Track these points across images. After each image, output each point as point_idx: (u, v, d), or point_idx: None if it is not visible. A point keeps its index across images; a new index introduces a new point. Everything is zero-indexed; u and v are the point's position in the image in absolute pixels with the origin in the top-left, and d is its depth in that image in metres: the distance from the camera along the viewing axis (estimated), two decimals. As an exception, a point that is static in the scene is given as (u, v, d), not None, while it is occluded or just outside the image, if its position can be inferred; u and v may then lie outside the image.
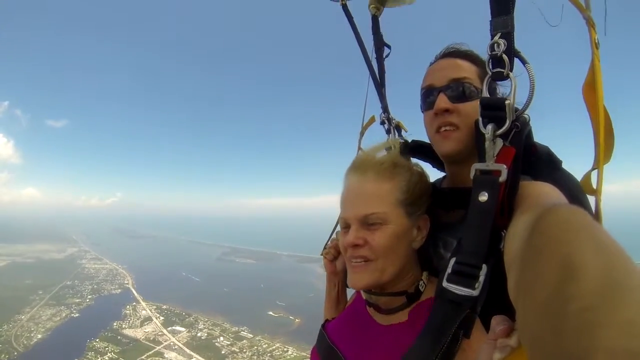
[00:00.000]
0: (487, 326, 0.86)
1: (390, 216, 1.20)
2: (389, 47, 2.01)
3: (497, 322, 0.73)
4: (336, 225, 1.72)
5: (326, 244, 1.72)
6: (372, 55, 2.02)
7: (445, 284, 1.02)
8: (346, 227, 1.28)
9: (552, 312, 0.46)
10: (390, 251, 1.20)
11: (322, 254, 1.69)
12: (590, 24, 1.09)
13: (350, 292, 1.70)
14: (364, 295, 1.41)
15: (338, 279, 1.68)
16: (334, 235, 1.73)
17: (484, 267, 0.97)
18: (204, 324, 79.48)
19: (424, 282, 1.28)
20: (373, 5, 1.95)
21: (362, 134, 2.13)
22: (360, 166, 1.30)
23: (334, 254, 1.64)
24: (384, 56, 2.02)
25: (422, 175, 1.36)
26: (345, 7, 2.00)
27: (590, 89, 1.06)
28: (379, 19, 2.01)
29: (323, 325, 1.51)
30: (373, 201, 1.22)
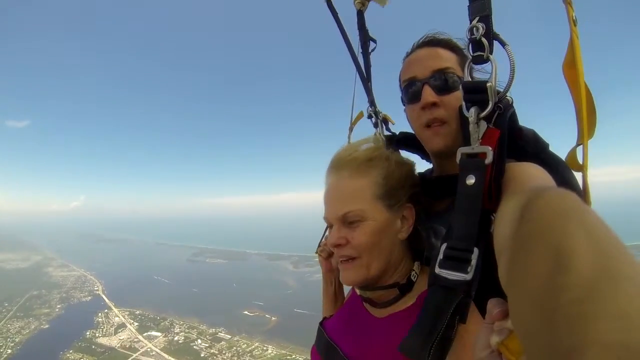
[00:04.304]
0: (482, 311, 0.86)
1: (369, 212, 1.18)
2: (374, 41, 1.98)
3: (494, 305, 0.72)
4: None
5: (320, 241, 1.71)
6: (357, 50, 2.00)
7: (437, 270, 0.99)
8: (330, 226, 1.28)
9: (543, 304, 0.45)
10: (373, 247, 1.18)
11: (317, 252, 1.69)
12: (567, 1, 1.09)
13: (347, 289, 1.69)
14: (357, 291, 1.40)
15: (334, 276, 1.67)
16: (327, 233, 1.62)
17: (476, 250, 0.95)
18: (180, 328, 79.31)
19: (415, 273, 1.26)
20: (358, 1, 1.95)
21: (351, 129, 2.15)
22: (336, 165, 1.29)
23: (328, 251, 1.63)
24: (370, 50, 1.99)
25: (401, 164, 1.31)
26: (329, 3, 1.99)
27: (571, 66, 1.05)
28: (364, 13, 2.00)
29: (321, 323, 1.50)
30: (349, 199, 1.20)
